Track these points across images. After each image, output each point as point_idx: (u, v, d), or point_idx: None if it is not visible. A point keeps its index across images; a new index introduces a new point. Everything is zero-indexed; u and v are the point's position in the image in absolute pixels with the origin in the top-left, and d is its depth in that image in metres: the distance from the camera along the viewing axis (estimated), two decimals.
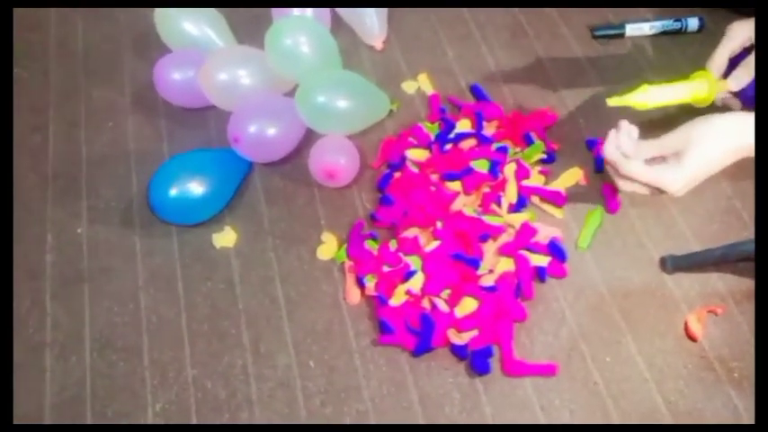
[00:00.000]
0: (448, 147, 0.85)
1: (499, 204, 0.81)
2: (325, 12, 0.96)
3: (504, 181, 0.82)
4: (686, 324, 0.73)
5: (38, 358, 0.75)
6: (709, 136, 0.65)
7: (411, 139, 0.87)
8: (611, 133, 0.69)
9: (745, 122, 0.64)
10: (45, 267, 0.81)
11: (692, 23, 0.95)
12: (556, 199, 0.81)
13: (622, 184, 0.69)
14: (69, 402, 0.72)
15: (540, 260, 0.77)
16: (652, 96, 0.74)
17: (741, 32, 0.74)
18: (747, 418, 0.68)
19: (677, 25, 0.95)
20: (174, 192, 0.79)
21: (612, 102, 0.73)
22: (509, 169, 0.83)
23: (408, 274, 0.76)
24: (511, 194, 0.81)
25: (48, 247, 0.83)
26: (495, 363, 0.72)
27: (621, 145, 0.67)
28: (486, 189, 0.82)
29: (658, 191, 0.67)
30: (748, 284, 0.75)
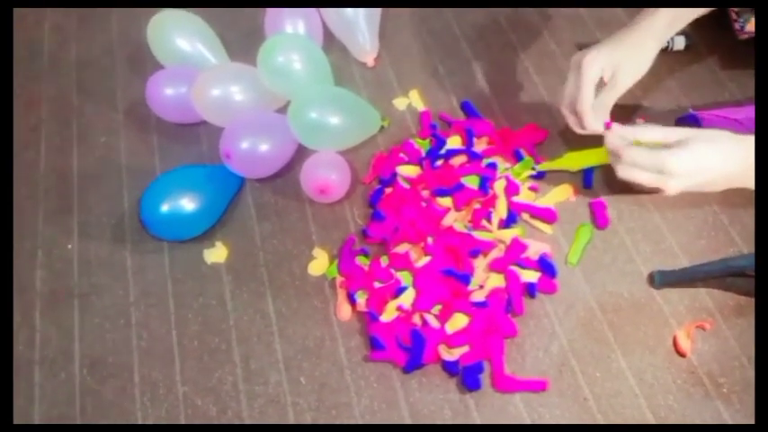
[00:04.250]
0: (439, 163, 0.86)
1: (489, 220, 0.81)
2: (318, 29, 0.97)
3: (495, 197, 0.83)
4: (675, 339, 0.74)
5: (27, 375, 0.75)
6: (716, 135, 0.66)
7: (402, 155, 0.88)
8: (615, 125, 0.71)
9: (749, 142, 0.65)
10: (35, 283, 0.81)
11: (679, 42, 0.96)
12: (547, 216, 0.82)
13: (621, 171, 0.68)
14: (58, 419, 0.72)
15: (531, 276, 0.78)
16: (577, 161, 0.85)
17: (593, 65, 0.74)
18: None
19: (664, 43, 0.96)
20: (165, 207, 0.79)
21: (542, 167, 0.85)
22: (499, 185, 0.84)
23: (399, 290, 0.76)
24: (501, 210, 0.82)
25: (38, 263, 0.83)
26: (485, 378, 0.72)
27: (625, 133, 0.70)
28: (476, 205, 0.82)
29: (659, 179, 0.66)
30: (736, 299, 0.76)
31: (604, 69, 0.75)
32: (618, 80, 0.75)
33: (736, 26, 0.89)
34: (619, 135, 0.70)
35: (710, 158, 0.65)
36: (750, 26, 0.87)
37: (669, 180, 0.65)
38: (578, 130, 0.79)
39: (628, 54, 0.75)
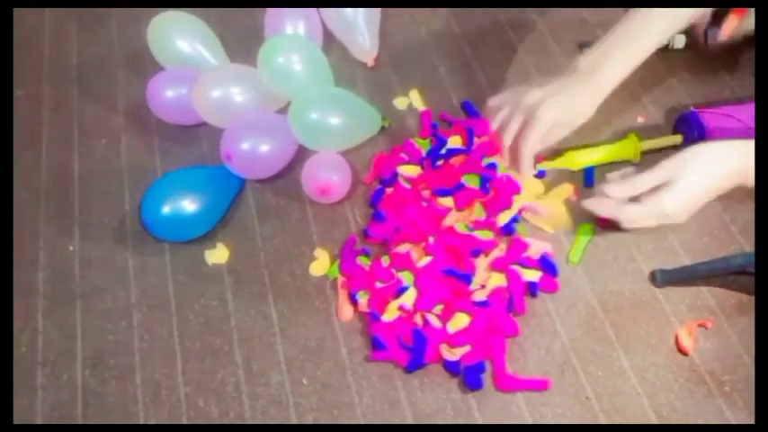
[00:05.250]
0: (439, 163, 0.86)
1: (496, 215, 0.81)
2: (318, 29, 0.98)
3: (497, 197, 0.82)
4: (677, 338, 0.74)
5: (29, 376, 0.75)
6: (702, 159, 0.68)
7: (403, 155, 0.88)
8: (598, 192, 0.73)
9: (738, 149, 0.66)
10: (37, 285, 0.81)
11: (679, 40, 0.96)
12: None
13: (626, 225, 0.73)
14: (60, 421, 0.72)
15: (532, 275, 0.78)
16: (578, 160, 0.85)
17: (547, 116, 0.71)
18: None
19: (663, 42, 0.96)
20: (166, 209, 0.79)
21: (542, 166, 0.84)
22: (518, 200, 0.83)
23: (401, 290, 0.76)
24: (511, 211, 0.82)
25: (40, 265, 0.83)
26: (487, 378, 0.72)
27: (613, 195, 0.71)
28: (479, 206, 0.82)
29: (664, 221, 0.70)
30: (738, 298, 0.76)
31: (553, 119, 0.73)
32: (557, 133, 0.73)
33: (708, 37, 0.86)
34: (610, 196, 0.72)
35: (702, 185, 0.68)
36: (723, 32, 0.83)
37: (673, 219, 0.69)
38: (507, 166, 0.79)
39: (574, 105, 0.73)
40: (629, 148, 0.85)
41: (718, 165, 0.67)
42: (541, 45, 1.00)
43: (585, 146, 0.86)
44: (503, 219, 0.81)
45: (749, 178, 0.66)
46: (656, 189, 0.70)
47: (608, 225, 0.81)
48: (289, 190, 0.87)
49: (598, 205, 0.74)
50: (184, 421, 0.71)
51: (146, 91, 0.91)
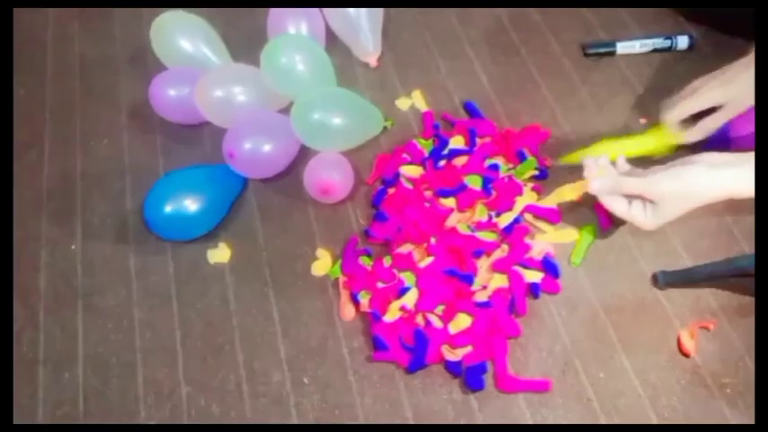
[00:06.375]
0: (441, 163, 0.86)
1: (499, 215, 0.81)
2: (321, 30, 0.98)
3: (499, 198, 0.82)
4: (679, 339, 0.73)
5: (31, 375, 0.75)
6: (682, 193, 0.68)
7: (405, 155, 0.88)
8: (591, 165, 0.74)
9: (729, 174, 0.66)
10: (39, 284, 0.81)
11: (682, 42, 0.96)
12: (550, 216, 0.82)
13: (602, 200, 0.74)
14: (62, 420, 0.72)
15: (534, 276, 0.78)
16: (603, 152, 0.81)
17: (711, 96, 0.75)
18: None
19: (667, 43, 0.96)
20: (168, 208, 0.80)
21: (565, 160, 0.83)
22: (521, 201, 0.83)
23: (402, 291, 0.76)
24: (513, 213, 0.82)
25: (42, 264, 0.83)
26: (489, 379, 0.72)
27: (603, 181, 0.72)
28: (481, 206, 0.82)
29: (631, 222, 0.72)
30: (739, 300, 0.76)
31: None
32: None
33: None
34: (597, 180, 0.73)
35: (685, 209, 0.68)
36: None
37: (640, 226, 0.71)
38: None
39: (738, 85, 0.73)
40: (660, 141, 0.82)
41: (705, 194, 0.67)
42: (543, 45, 1.00)
43: (593, 144, 0.84)
44: (504, 220, 0.81)
45: (737, 196, 0.66)
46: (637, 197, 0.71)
47: (611, 227, 0.81)
48: (291, 190, 0.87)
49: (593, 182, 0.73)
50: (185, 421, 0.71)
51: (148, 90, 0.91)
